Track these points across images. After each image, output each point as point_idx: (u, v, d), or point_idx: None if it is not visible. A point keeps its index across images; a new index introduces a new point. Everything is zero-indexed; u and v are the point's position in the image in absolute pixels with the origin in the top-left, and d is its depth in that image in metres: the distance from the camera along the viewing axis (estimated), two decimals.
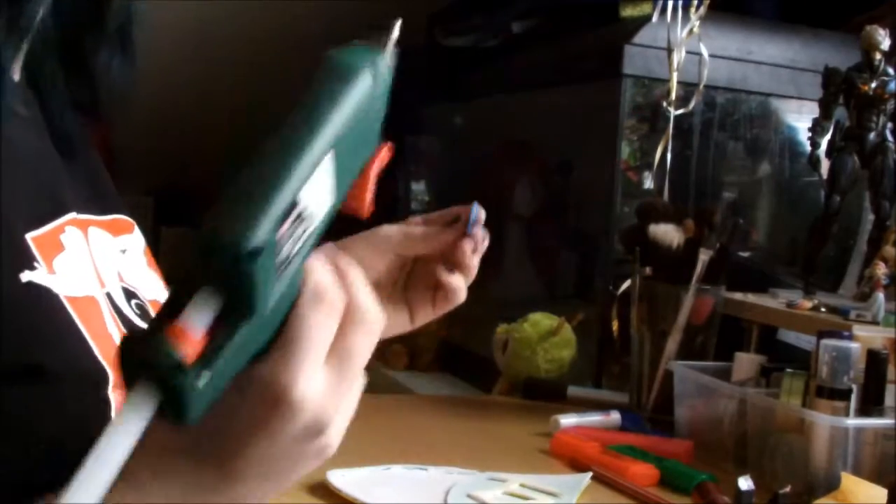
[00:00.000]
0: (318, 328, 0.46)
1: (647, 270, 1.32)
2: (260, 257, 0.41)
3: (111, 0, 0.68)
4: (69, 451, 0.51)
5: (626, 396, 1.35)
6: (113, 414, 0.57)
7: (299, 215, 0.44)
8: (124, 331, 0.60)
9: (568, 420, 1.20)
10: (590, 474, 1.02)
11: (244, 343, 0.43)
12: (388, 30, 0.55)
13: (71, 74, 0.69)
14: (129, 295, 0.64)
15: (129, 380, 0.42)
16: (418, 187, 2.35)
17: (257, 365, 0.45)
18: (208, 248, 0.42)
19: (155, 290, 0.69)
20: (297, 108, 0.48)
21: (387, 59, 0.53)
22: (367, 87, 0.49)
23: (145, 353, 0.41)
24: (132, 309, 0.64)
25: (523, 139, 1.90)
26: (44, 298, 0.56)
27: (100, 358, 0.58)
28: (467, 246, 0.80)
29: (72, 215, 0.62)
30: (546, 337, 1.47)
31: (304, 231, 0.45)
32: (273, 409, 0.46)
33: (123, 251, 0.66)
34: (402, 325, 0.83)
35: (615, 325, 1.44)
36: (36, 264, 0.57)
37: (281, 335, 0.45)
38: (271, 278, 0.43)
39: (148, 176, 2.63)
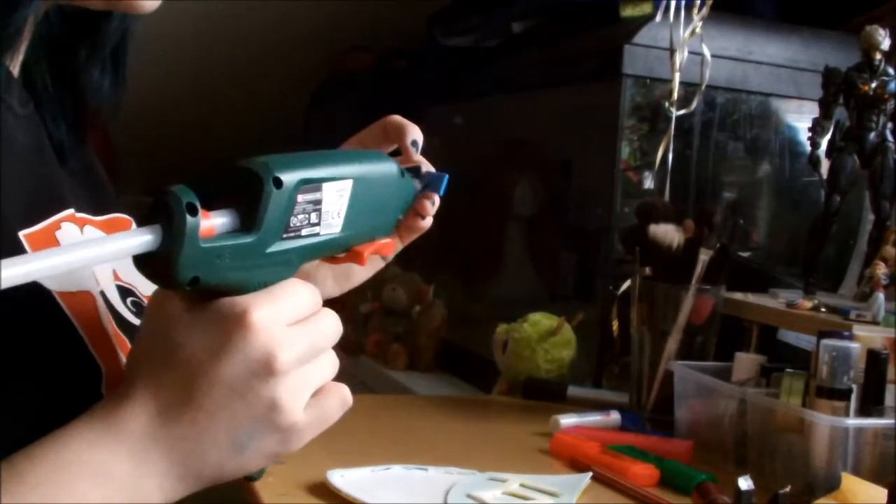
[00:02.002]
0: (295, 290, 0.54)
1: (647, 270, 1.32)
2: (278, 188, 0.51)
3: (107, 20, 0.68)
4: None
5: (626, 396, 1.35)
6: None
7: (317, 203, 0.54)
8: (116, 330, 0.61)
9: (568, 420, 1.20)
10: (590, 474, 1.02)
11: (241, 251, 0.51)
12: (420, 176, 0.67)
13: (61, 88, 0.70)
14: (125, 293, 0.64)
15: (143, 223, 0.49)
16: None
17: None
18: (247, 169, 0.51)
19: (152, 287, 0.68)
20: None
21: (410, 183, 0.65)
22: (394, 170, 0.62)
23: (168, 198, 0.48)
24: (127, 307, 0.64)
25: (523, 139, 1.90)
26: (33, 295, 0.56)
27: (94, 354, 0.58)
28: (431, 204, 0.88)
29: (70, 212, 0.62)
30: (546, 337, 1.47)
31: (314, 223, 0.55)
32: (231, 323, 0.51)
33: None
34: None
35: (615, 325, 1.44)
36: (43, 247, 0.57)
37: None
38: (279, 213, 0.52)
39: (148, 176, 2.63)
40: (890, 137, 1.29)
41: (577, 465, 1.08)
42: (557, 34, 1.77)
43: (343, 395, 0.57)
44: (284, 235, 0.53)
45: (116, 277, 0.64)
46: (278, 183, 0.51)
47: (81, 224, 0.63)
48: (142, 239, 0.48)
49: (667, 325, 1.28)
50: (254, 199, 0.51)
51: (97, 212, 0.66)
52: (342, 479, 0.93)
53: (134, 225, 0.70)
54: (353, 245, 0.59)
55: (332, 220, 0.56)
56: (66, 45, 0.69)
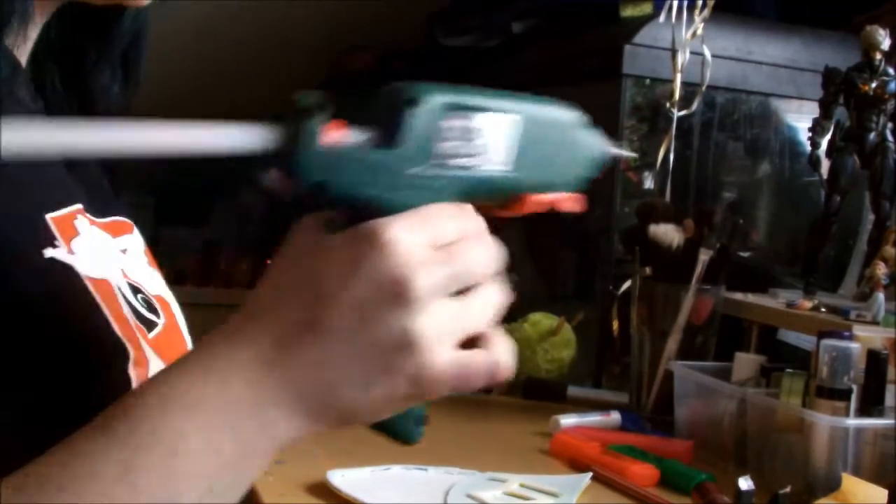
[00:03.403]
0: (440, 212, 0.48)
1: (647, 270, 1.32)
2: (417, 106, 0.48)
3: (118, 21, 0.69)
4: (84, 423, 0.51)
5: (626, 396, 1.35)
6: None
7: (469, 132, 0.50)
8: (134, 319, 0.61)
9: (568, 420, 1.20)
10: (590, 474, 1.02)
11: (375, 166, 0.47)
12: (611, 153, 0.60)
13: (69, 90, 0.70)
14: (135, 290, 0.64)
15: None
16: None
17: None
18: (389, 90, 0.49)
19: (159, 287, 0.69)
20: None
21: (600, 138, 0.58)
22: (573, 118, 0.56)
23: (296, 105, 0.46)
24: (139, 302, 0.64)
25: None
26: (66, 275, 0.57)
27: (120, 335, 0.58)
28: None
29: (80, 206, 0.62)
30: (546, 337, 1.47)
31: (468, 156, 0.50)
32: (363, 243, 0.46)
33: (124, 251, 0.66)
34: None
35: (615, 325, 1.44)
36: (57, 243, 0.57)
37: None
38: (421, 132, 0.48)
39: (148, 176, 2.63)
40: (890, 137, 1.29)
41: (577, 465, 1.08)
42: (557, 34, 1.78)
43: (495, 359, 0.50)
44: (433, 161, 0.49)
45: (125, 275, 0.65)
46: (416, 101, 0.48)
47: (89, 222, 0.63)
48: (262, 134, 0.45)
49: (667, 325, 1.28)
50: (392, 116, 0.47)
51: (98, 213, 0.66)
52: (342, 479, 0.93)
53: (135, 233, 0.70)
54: (525, 190, 0.54)
55: (494, 156, 0.51)
56: (76, 47, 0.69)
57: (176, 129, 0.43)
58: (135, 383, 0.57)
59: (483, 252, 0.49)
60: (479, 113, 0.50)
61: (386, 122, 0.48)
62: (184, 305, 0.72)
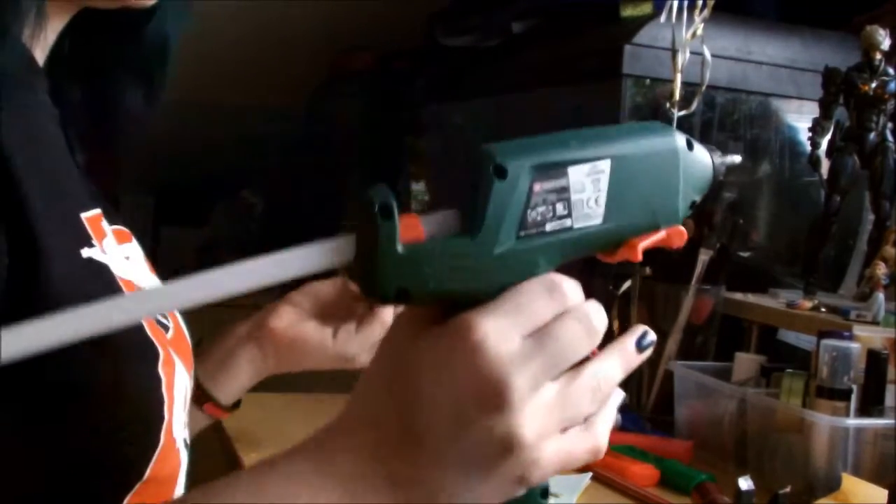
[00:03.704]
0: (530, 294, 0.45)
1: (647, 270, 1.32)
2: (501, 178, 0.44)
3: (138, 29, 0.69)
4: (120, 420, 0.52)
5: (626, 396, 1.35)
6: (164, 390, 0.58)
7: (563, 190, 0.46)
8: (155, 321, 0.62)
9: None
10: (590, 474, 1.02)
11: (458, 257, 0.44)
12: (726, 165, 0.54)
13: (89, 99, 0.70)
14: None
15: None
16: (418, 187, 2.35)
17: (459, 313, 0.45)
18: (473, 159, 0.45)
19: None
20: None
21: (706, 156, 0.52)
22: (671, 144, 0.50)
23: (369, 206, 0.43)
24: None
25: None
26: (102, 275, 0.58)
27: (151, 335, 0.59)
28: None
29: (99, 211, 0.63)
30: None
31: (562, 215, 0.46)
32: (455, 341, 0.44)
33: (127, 258, 0.67)
34: (325, 342, 0.95)
35: (615, 325, 1.44)
36: (93, 242, 0.58)
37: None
38: (508, 207, 0.44)
39: (148, 176, 2.63)
40: (890, 137, 1.29)
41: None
42: (557, 34, 1.77)
43: (596, 440, 0.47)
44: (522, 233, 0.45)
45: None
46: (501, 172, 0.44)
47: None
48: (334, 249, 0.44)
49: (667, 325, 1.28)
50: (475, 193, 0.44)
51: (107, 220, 0.67)
52: None
53: (135, 242, 0.71)
54: (627, 236, 0.49)
55: (588, 210, 0.46)
56: (92, 56, 0.70)
57: (259, 265, 0.43)
58: (164, 382, 0.58)
59: (579, 329, 0.46)
60: (569, 167, 0.46)
61: (469, 200, 0.44)
62: None
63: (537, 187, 0.45)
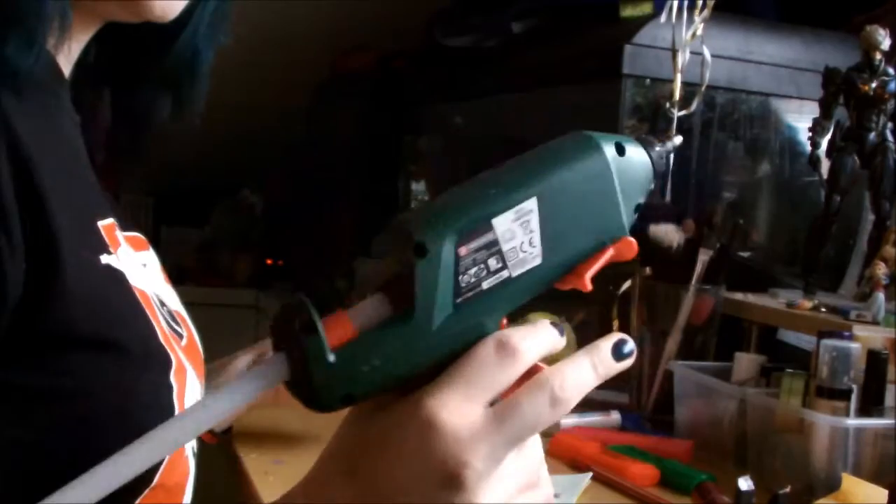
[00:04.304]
0: (485, 363, 0.44)
1: (647, 270, 1.32)
2: (427, 255, 0.42)
3: (166, 45, 0.69)
4: (131, 426, 0.52)
5: (626, 396, 1.35)
6: (174, 398, 0.58)
7: (492, 244, 0.43)
8: (168, 329, 0.62)
9: (568, 420, 1.20)
10: (590, 474, 1.02)
11: (396, 345, 0.42)
12: (665, 138, 0.51)
13: (115, 114, 0.71)
14: (160, 303, 0.65)
15: (274, 348, 0.43)
16: (418, 187, 2.35)
17: (414, 388, 0.44)
18: (392, 235, 0.43)
19: (176, 303, 0.70)
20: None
21: (642, 155, 0.49)
22: (598, 159, 0.46)
23: (290, 324, 0.41)
24: (164, 315, 0.65)
25: (523, 139, 1.90)
26: (120, 282, 0.58)
27: (163, 343, 0.59)
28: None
29: (113, 220, 0.63)
30: None
31: (497, 269, 0.44)
32: (413, 427, 0.43)
33: (144, 265, 0.67)
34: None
35: (615, 325, 1.44)
36: (110, 249, 0.59)
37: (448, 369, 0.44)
38: (434, 283, 0.42)
39: (148, 176, 2.63)
40: (890, 137, 1.29)
41: (577, 465, 1.08)
42: (557, 34, 1.77)
43: (546, 496, 0.47)
44: (459, 300, 0.43)
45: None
46: (421, 251, 0.42)
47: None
48: (269, 374, 0.42)
49: (667, 325, 1.28)
50: (401, 278, 0.42)
51: (121, 228, 0.67)
52: None
53: (151, 250, 0.71)
54: (575, 264, 0.46)
55: (523, 254, 0.44)
56: (118, 69, 0.70)
57: (217, 401, 0.42)
58: (176, 391, 0.58)
59: (543, 400, 0.44)
60: (491, 220, 0.43)
61: (394, 285, 0.43)
62: (184, 305, 0.73)
63: (463, 251, 0.43)
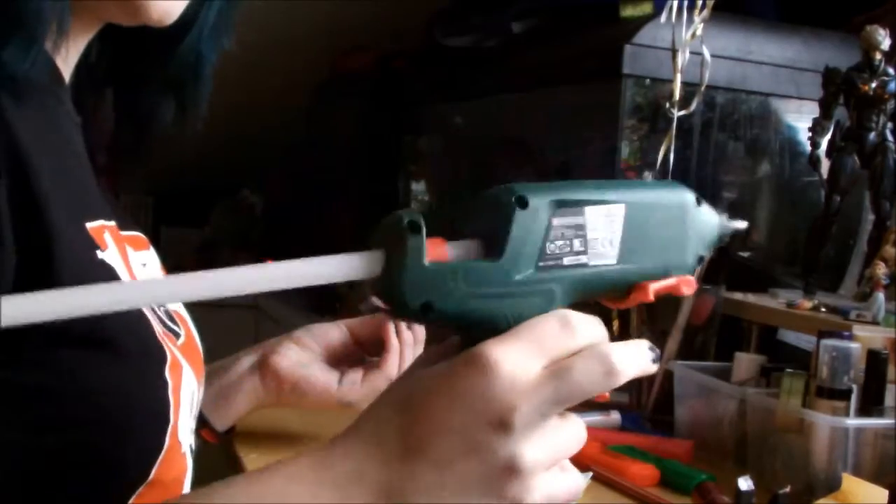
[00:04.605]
0: (547, 327, 0.47)
1: None
2: (523, 208, 0.47)
3: (169, 48, 0.69)
4: (124, 420, 0.52)
5: (626, 396, 1.35)
6: (170, 393, 0.59)
7: (580, 227, 0.49)
8: (162, 328, 0.62)
9: None
10: (590, 474, 1.01)
11: (480, 280, 0.46)
12: (731, 229, 0.57)
13: (121, 118, 0.71)
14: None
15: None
16: (418, 187, 2.35)
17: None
18: (491, 194, 0.48)
19: (175, 303, 0.70)
20: None
21: (714, 215, 0.55)
22: (680, 197, 0.53)
23: (398, 224, 0.45)
24: (163, 314, 0.65)
25: (523, 139, 1.90)
26: (115, 278, 0.58)
27: (158, 338, 0.59)
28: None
29: (112, 223, 0.63)
30: None
31: (578, 251, 0.49)
32: (473, 367, 0.45)
33: (144, 265, 0.67)
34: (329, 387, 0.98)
35: (615, 325, 1.44)
36: (102, 247, 0.59)
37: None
38: (529, 235, 0.47)
39: (148, 176, 2.63)
40: (890, 137, 1.29)
41: (577, 465, 1.08)
42: (557, 34, 1.77)
43: (576, 485, 0.50)
44: (541, 263, 0.48)
45: None
46: (523, 202, 0.47)
47: (114, 236, 0.63)
48: (361, 262, 0.45)
49: (667, 325, 1.28)
50: (498, 222, 0.47)
51: (122, 227, 0.67)
52: None
53: (152, 250, 0.71)
54: (638, 280, 0.51)
55: (602, 249, 0.49)
56: (121, 71, 0.70)
57: (286, 268, 0.44)
58: (171, 387, 0.58)
59: (598, 369, 0.47)
60: (585, 206, 0.49)
61: (491, 229, 0.47)
62: (183, 305, 0.73)
63: (556, 221, 0.48)
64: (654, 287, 0.52)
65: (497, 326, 0.47)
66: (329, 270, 0.44)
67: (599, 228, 0.49)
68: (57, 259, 0.52)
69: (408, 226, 0.45)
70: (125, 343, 0.56)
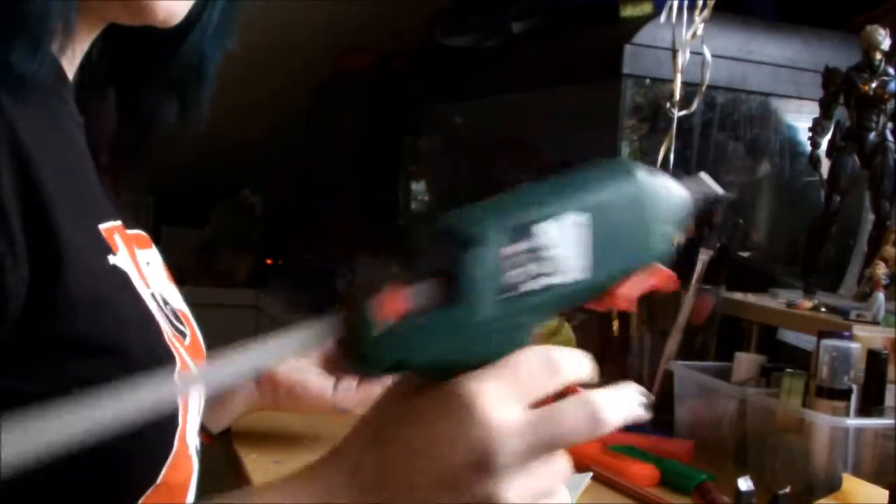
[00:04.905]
0: (529, 367, 0.46)
1: None
2: (473, 248, 0.44)
3: (171, 49, 0.69)
4: (135, 430, 0.52)
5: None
6: (178, 398, 0.59)
7: (534, 251, 0.46)
8: (171, 329, 0.62)
9: None
10: (590, 474, 1.02)
11: (442, 329, 0.45)
12: (700, 186, 0.54)
13: (124, 118, 0.71)
14: (164, 302, 0.65)
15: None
16: (418, 187, 2.35)
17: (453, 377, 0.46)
18: (437, 231, 0.46)
19: (179, 301, 0.70)
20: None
21: (677, 187, 0.52)
22: (630, 183, 0.49)
23: (349, 301, 0.45)
24: (167, 314, 0.65)
25: (523, 139, 1.90)
26: (124, 283, 0.58)
27: (168, 343, 0.59)
28: None
29: (119, 223, 0.63)
30: (546, 337, 1.47)
31: (540, 274, 0.46)
32: (453, 406, 0.45)
33: (147, 263, 0.67)
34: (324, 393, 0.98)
35: (615, 325, 1.44)
36: (114, 252, 0.59)
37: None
38: (483, 276, 0.45)
39: (148, 176, 2.63)
40: (890, 137, 1.29)
41: (577, 465, 1.07)
42: (557, 34, 1.77)
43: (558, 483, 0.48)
44: (502, 297, 0.45)
45: (150, 287, 0.65)
46: (468, 241, 0.44)
47: (122, 236, 0.63)
48: (320, 331, 0.44)
49: (667, 325, 1.28)
50: (449, 265, 0.45)
51: (127, 226, 0.67)
52: None
53: (154, 248, 0.71)
54: (607, 284, 0.49)
55: (561, 264, 0.46)
56: (124, 71, 0.71)
57: (260, 352, 0.43)
58: None
59: (583, 418, 0.46)
60: (532, 226, 0.46)
61: (443, 273, 0.45)
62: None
63: (507, 251, 0.45)
64: (629, 292, 0.49)
65: (475, 367, 0.46)
66: (294, 346, 0.44)
67: (553, 244, 0.46)
68: (66, 263, 0.52)
69: (362, 295, 0.44)
70: (136, 351, 0.56)
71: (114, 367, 0.54)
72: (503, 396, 0.45)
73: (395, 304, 0.44)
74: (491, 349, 0.46)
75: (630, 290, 0.49)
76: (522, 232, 0.45)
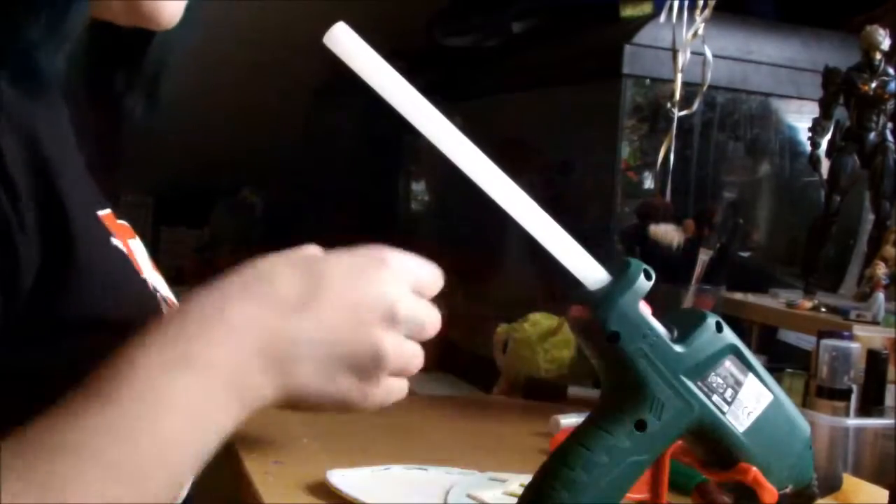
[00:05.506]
0: (430, 268, 0.57)
1: None
2: (716, 332, 0.55)
3: (148, 44, 0.69)
4: None
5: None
6: None
7: (737, 383, 0.56)
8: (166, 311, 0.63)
9: (568, 420, 1.20)
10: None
11: (658, 349, 0.55)
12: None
13: (95, 107, 0.71)
14: (154, 288, 0.66)
15: None
16: (418, 187, 2.35)
17: None
18: (699, 310, 0.59)
19: (166, 290, 0.70)
20: None
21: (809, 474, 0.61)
22: (806, 431, 0.60)
23: (635, 265, 0.56)
24: (159, 301, 0.65)
25: (523, 139, 1.90)
26: (128, 264, 0.59)
27: None
28: None
29: (109, 211, 0.63)
30: (546, 337, 1.47)
31: (726, 399, 0.56)
32: (375, 262, 0.53)
33: (135, 252, 0.67)
34: None
35: None
36: (114, 234, 0.59)
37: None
38: (705, 351, 0.55)
39: (148, 176, 2.63)
40: (890, 137, 1.29)
41: None
42: (557, 34, 1.78)
43: (404, 387, 0.57)
44: (699, 381, 0.55)
45: (140, 271, 0.66)
46: (719, 327, 0.55)
47: (113, 224, 0.64)
48: (597, 271, 0.54)
49: None
50: (693, 325, 0.55)
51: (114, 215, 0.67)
52: (342, 478, 0.93)
53: (137, 239, 0.71)
54: (746, 461, 0.57)
55: (740, 413, 0.56)
56: (105, 68, 0.71)
57: (562, 241, 0.57)
58: None
59: (435, 313, 0.56)
60: (750, 372, 0.56)
61: (684, 326, 0.55)
62: None
63: (727, 363, 0.55)
64: (754, 476, 0.56)
65: (639, 392, 0.54)
66: (576, 263, 0.55)
67: (748, 396, 0.56)
68: (78, 240, 0.53)
69: (644, 271, 0.55)
70: (137, 327, 0.56)
71: (114, 343, 0.54)
72: (411, 270, 0.55)
73: (646, 307, 0.55)
74: (665, 399, 0.54)
75: (755, 475, 0.56)
76: (742, 365, 0.56)
